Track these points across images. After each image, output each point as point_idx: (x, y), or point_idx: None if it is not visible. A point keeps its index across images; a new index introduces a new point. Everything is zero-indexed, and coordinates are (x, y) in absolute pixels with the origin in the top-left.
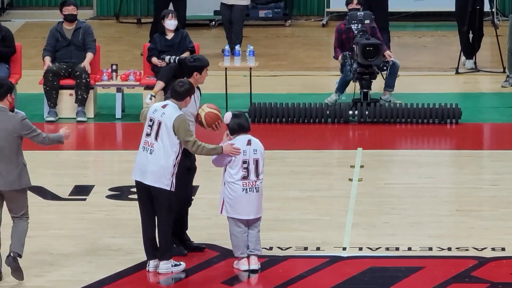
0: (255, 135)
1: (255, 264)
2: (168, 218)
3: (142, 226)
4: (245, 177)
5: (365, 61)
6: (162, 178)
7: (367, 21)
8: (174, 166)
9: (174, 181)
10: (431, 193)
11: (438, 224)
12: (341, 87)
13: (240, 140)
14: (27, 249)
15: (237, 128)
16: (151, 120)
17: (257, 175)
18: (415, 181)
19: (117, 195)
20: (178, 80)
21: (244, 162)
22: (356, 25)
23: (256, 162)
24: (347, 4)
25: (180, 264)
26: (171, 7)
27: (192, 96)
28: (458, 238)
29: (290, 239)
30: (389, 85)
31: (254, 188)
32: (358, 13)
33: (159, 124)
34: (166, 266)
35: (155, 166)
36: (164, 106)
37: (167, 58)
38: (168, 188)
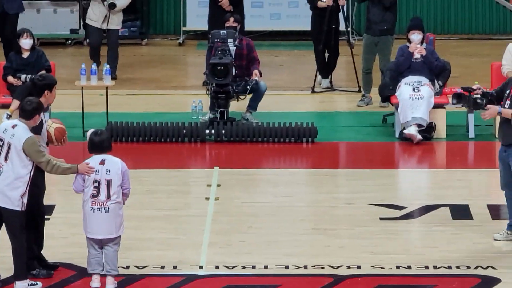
0: (111, 154)
1: (111, 284)
2: (21, 237)
3: None
4: (94, 196)
5: (214, 80)
6: (12, 198)
7: (230, 40)
8: (26, 187)
9: (25, 201)
10: (288, 211)
11: (294, 243)
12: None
13: (94, 159)
14: None
15: (90, 147)
16: (1, 140)
17: (108, 196)
18: (271, 200)
19: None
20: (26, 99)
21: (95, 181)
22: (232, 43)
23: (108, 182)
24: (224, 21)
25: (37, 284)
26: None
27: (42, 114)
28: (314, 256)
29: (147, 258)
30: (251, 106)
31: (103, 208)
32: (221, 32)
33: (9, 145)
34: (22, 285)
35: (4, 187)
36: (13, 126)
37: (23, 76)
38: (19, 209)
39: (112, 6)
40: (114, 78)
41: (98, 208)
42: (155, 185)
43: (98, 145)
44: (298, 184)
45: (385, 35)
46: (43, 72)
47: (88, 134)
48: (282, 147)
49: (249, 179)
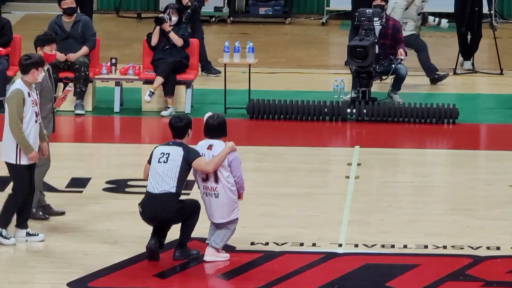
0: (252, 131)
1: (208, 254)
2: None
3: None
4: (204, 180)
5: (353, 62)
6: (7, 151)
7: (375, 19)
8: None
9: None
10: (427, 191)
11: (433, 223)
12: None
13: (201, 143)
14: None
15: (204, 130)
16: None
17: (216, 181)
18: (411, 180)
19: (113, 188)
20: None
21: None
22: (378, 22)
23: None
24: (372, 0)
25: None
26: None
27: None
28: (453, 237)
29: (286, 235)
30: (395, 87)
31: (213, 194)
32: (367, 10)
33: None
34: None
35: (4, 142)
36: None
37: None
38: (13, 162)
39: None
40: None
41: (208, 193)
42: (295, 163)
43: (212, 129)
44: (438, 164)
45: None
46: None
47: (205, 117)
48: (423, 127)
49: (389, 158)
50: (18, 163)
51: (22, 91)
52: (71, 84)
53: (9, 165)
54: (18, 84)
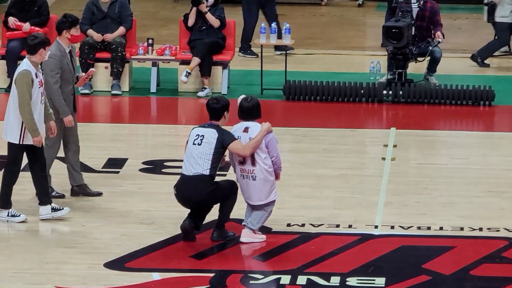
0: (289, 113)
1: (245, 236)
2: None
3: None
4: (241, 163)
5: (388, 43)
6: (11, 130)
7: (413, 1)
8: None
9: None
10: (463, 173)
11: (469, 205)
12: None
13: (237, 126)
14: (57, 220)
15: (239, 113)
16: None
17: (253, 163)
18: (447, 162)
19: (150, 168)
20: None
21: None
22: (416, 4)
23: None
24: None
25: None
26: None
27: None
28: (489, 219)
29: (322, 216)
30: (430, 69)
31: (250, 176)
32: None
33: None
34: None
35: (6, 121)
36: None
37: None
38: (16, 142)
39: None
40: None
41: (246, 176)
42: (331, 144)
43: (247, 112)
44: (474, 146)
45: None
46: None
47: (239, 100)
48: (459, 109)
49: (425, 140)
50: (21, 143)
51: (30, 72)
52: (96, 65)
53: (10, 144)
54: (25, 64)
